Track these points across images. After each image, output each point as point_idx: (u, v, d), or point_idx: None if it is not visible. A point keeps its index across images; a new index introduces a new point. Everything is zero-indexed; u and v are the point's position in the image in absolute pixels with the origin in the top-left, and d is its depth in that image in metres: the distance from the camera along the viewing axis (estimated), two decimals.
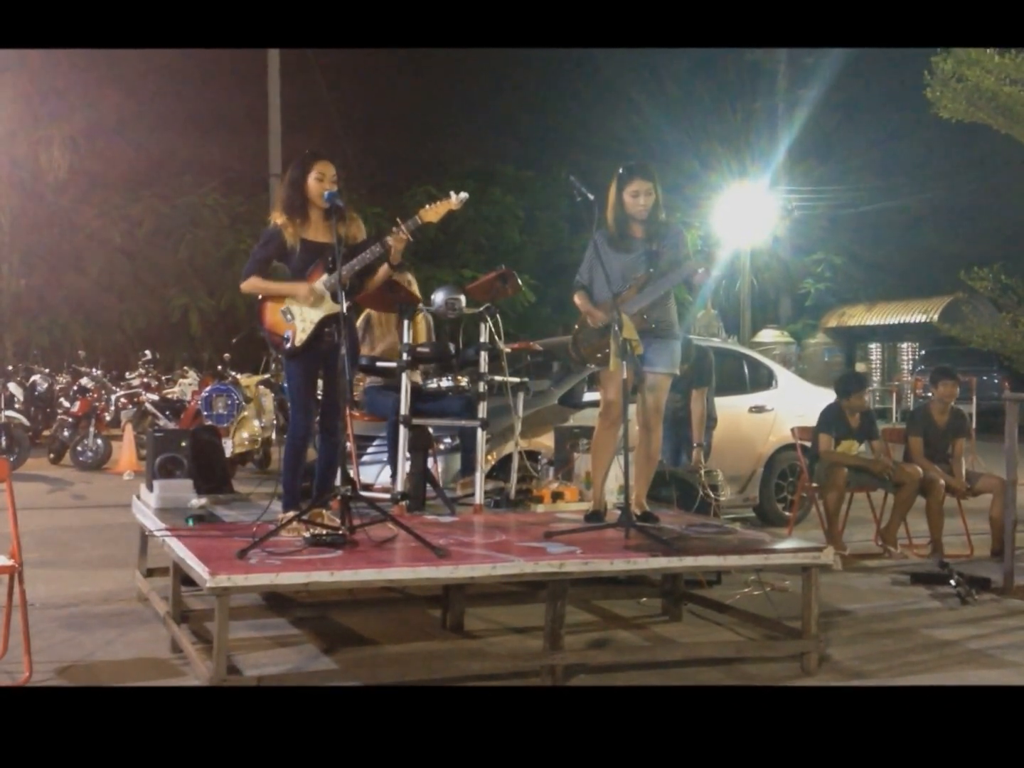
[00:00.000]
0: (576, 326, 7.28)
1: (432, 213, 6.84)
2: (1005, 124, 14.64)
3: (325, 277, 6.71)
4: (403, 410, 7.69)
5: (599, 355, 7.01)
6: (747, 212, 30.47)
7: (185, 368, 23.37)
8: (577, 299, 7.24)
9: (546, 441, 9.68)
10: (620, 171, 7.05)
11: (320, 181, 6.72)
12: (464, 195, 6.89)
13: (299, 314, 6.75)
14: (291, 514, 6.57)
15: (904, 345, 35.25)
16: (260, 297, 6.90)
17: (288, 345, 6.77)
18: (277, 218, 6.87)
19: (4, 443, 16.12)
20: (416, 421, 7.83)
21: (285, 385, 7.39)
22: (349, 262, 6.62)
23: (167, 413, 17.47)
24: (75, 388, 19.12)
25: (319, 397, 7.11)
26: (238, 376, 16.37)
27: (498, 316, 7.92)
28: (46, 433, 19.08)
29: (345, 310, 6.44)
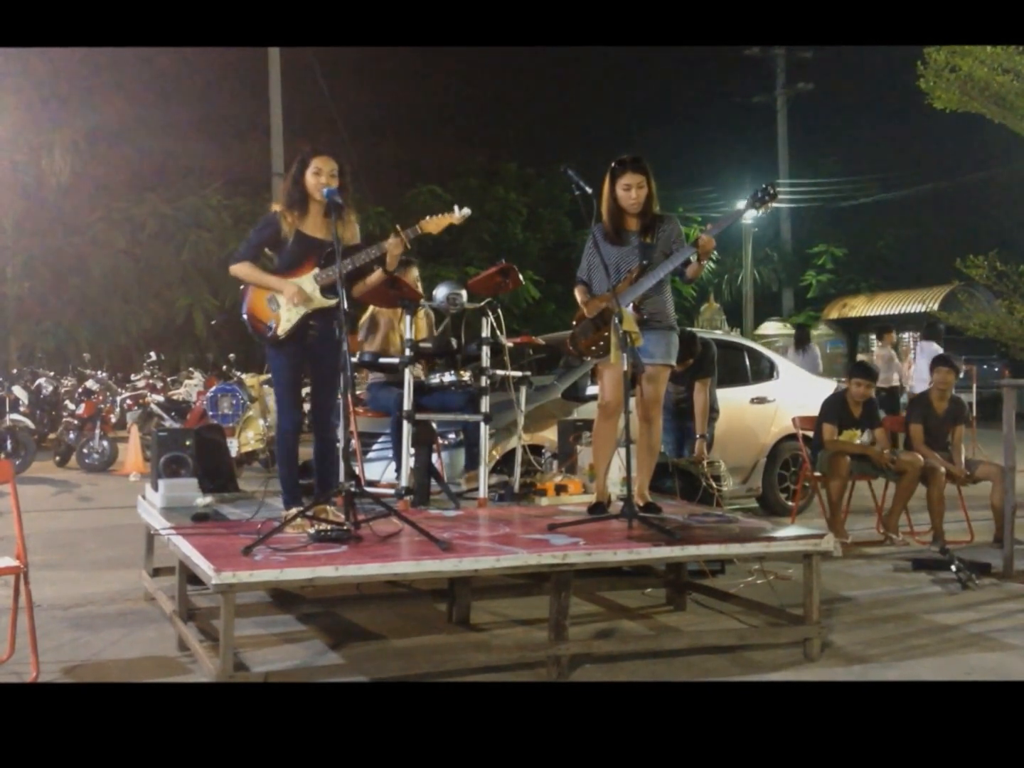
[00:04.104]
0: (574, 321, 7.32)
1: (433, 224, 6.90)
2: (998, 113, 14.65)
3: (316, 271, 6.73)
4: (406, 405, 7.73)
5: (594, 347, 7.04)
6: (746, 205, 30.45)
7: (190, 369, 23.41)
8: (577, 293, 7.27)
9: (550, 435, 9.71)
10: (612, 165, 7.07)
11: (317, 176, 6.70)
12: (466, 211, 6.98)
13: (284, 306, 6.74)
14: (295, 510, 6.61)
15: (906, 335, 35.19)
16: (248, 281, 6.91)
17: (270, 334, 6.77)
18: (277, 206, 6.89)
19: (10, 446, 16.18)
20: (419, 416, 7.87)
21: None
22: (343, 262, 6.58)
23: (172, 414, 17.50)
24: (80, 391, 19.13)
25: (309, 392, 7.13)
26: (243, 376, 16.40)
27: (500, 311, 7.96)
28: (52, 436, 19.11)
29: (345, 306, 6.46)
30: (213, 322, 23.22)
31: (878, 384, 18.77)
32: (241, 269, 6.87)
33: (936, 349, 17.22)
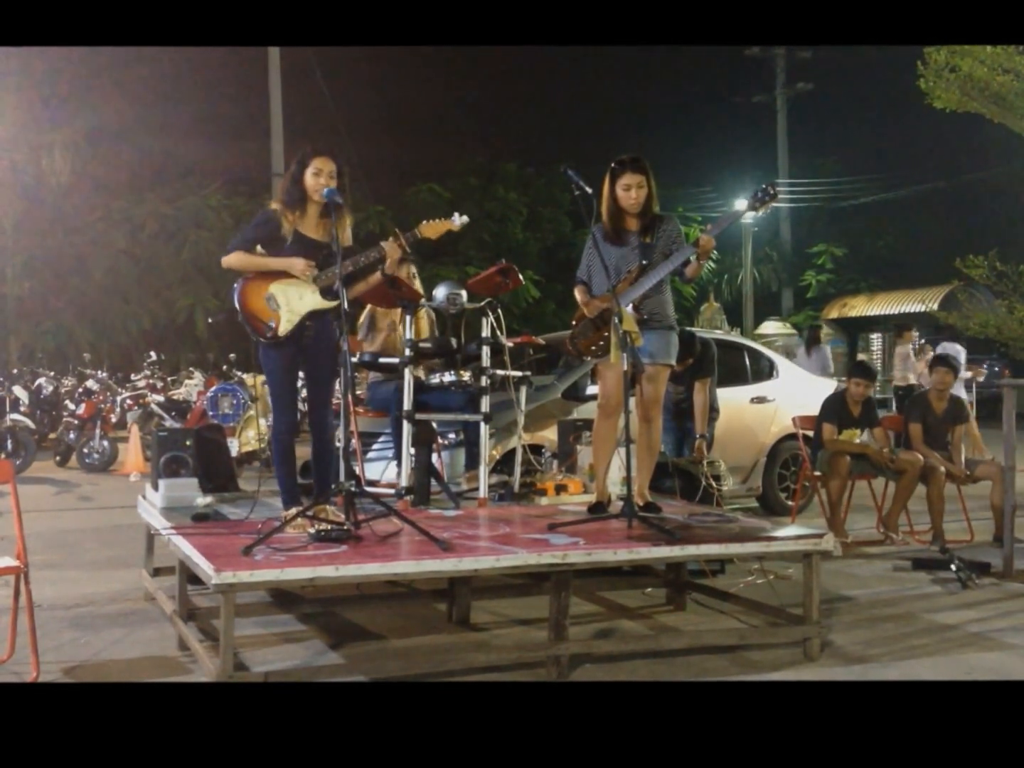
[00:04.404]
0: (573, 321, 7.32)
1: (431, 230, 6.91)
2: (998, 113, 14.67)
3: (315, 273, 6.71)
4: (406, 405, 7.74)
5: (594, 347, 7.05)
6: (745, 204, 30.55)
7: (190, 369, 23.42)
8: (577, 293, 7.27)
9: (549, 434, 9.72)
10: (612, 165, 7.07)
11: (317, 176, 6.65)
12: (465, 218, 7.04)
13: (285, 304, 6.68)
14: (295, 510, 6.61)
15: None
16: (241, 281, 6.81)
17: (270, 333, 6.70)
18: (274, 204, 6.83)
19: (10, 446, 16.20)
20: (419, 416, 7.88)
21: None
22: (343, 263, 6.52)
23: (173, 414, 17.51)
24: (80, 390, 19.16)
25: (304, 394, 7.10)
26: (243, 375, 16.41)
27: (499, 311, 7.96)
28: (52, 436, 19.14)
29: (345, 306, 6.44)
30: (211, 320, 23.13)
31: (895, 382, 18.91)
32: (236, 258, 6.78)
33: (958, 349, 17.28)
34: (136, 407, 18.46)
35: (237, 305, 6.79)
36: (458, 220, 6.99)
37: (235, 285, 6.85)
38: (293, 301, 6.70)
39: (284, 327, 6.69)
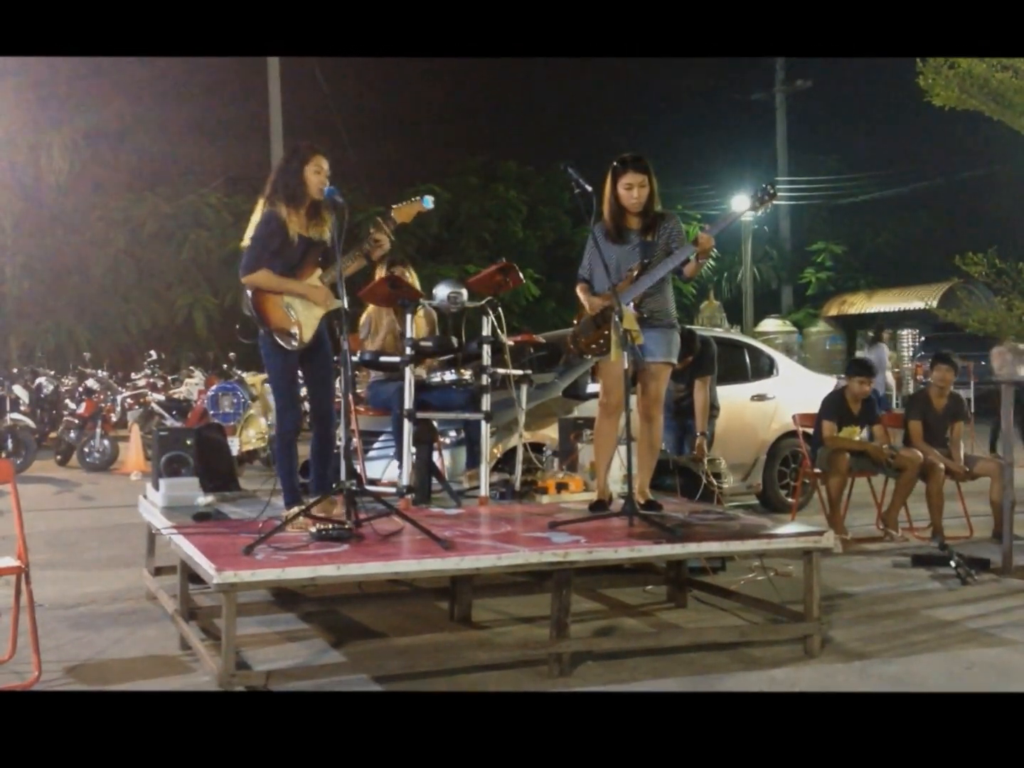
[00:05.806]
0: (575, 319, 7.33)
1: (403, 213, 7.14)
2: (997, 110, 14.63)
3: (320, 273, 6.75)
4: (407, 404, 7.74)
5: (594, 346, 7.06)
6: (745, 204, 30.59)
7: (191, 368, 23.40)
8: (579, 291, 7.28)
9: (550, 433, 9.72)
10: (614, 164, 7.07)
11: (317, 174, 6.69)
12: (432, 200, 7.33)
13: (301, 311, 6.73)
14: (296, 509, 6.62)
15: (904, 332, 35.19)
16: (253, 291, 6.77)
17: (295, 342, 6.72)
18: (276, 204, 6.76)
19: (10, 446, 16.19)
20: (420, 415, 7.88)
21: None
22: (339, 262, 6.52)
23: (173, 413, 17.50)
24: (81, 389, 19.16)
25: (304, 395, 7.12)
26: (244, 374, 16.41)
27: (500, 309, 7.97)
28: (52, 435, 19.14)
29: (346, 306, 6.47)
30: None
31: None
32: (261, 277, 6.73)
33: None
34: (137, 406, 18.44)
35: (258, 315, 6.77)
36: (429, 202, 7.21)
37: (247, 294, 6.81)
38: (308, 307, 6.78)
39: (307, 334, 6.76)
